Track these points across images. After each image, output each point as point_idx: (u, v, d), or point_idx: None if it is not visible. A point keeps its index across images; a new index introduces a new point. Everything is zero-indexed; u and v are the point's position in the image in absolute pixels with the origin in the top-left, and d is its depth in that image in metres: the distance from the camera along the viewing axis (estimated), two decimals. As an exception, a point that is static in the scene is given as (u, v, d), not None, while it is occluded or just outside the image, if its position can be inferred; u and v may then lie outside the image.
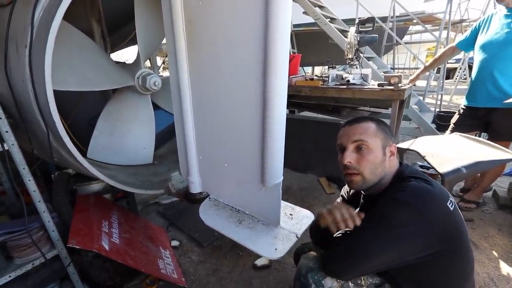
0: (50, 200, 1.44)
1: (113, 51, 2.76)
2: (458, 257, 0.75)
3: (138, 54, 1.72)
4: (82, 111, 2.15)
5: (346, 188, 1.12)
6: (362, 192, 0.97)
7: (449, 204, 0.74)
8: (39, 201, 1.20)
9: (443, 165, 1.12)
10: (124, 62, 2.41)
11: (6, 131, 1.08)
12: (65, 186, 1.51)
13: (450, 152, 1.26)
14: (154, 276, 1.51)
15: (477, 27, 1.99)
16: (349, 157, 0.83)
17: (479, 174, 2.13)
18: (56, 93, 1.09)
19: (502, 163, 1.20)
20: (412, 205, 0.70)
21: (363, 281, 0.81)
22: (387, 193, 0.80)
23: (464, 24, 5.41)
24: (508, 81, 1.80)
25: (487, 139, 1.92)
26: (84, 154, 1.73)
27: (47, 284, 1.34)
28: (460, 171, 1.07)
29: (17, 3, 1.17)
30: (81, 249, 1.31)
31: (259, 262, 1.64)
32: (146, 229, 1.83)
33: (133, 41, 2.75)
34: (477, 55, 1.95)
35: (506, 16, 1.79)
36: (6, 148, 1.10)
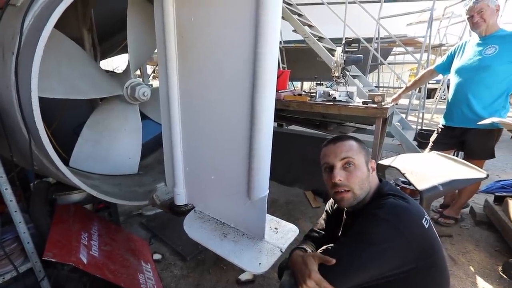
0: (27, 210, 1.39)
1: (103, 59, 2.75)
2: (434, 273, 0.77)
3: (128, 64, 1.73)
4: (68, 119, 2.10)
5: (330, 202, 1.14)
6: (345, 208, 0.99)
7: (424, 221, 0.77)
8: (15, 211, 1.16)
9: (421, 182, 1.18)
10: (113, 71, 2.40)
11: (-15, 138, 1.05)
12: (44, 195, 1.45)
13: (428, 170, 1.32)
14: (133, 291, 1.46)
15: (453, 52, 2.13)
16: (339, 175, 0.85)
17: (456, 191, 2.22)
18: (41, 100, 1.08)
19: (475, 181, 1.27)
20: (391, 222, 0.73)
21: None
22: (368, 209, 0.83)
23: (443, 48, 5.77)
24: (480, 104, 1.92)
25: (463, 158, 2.02)
26: (66, 162, 1.68)
27: (18, 300, 1.27)
28: (437, 189, 1.12)
29: (6, 10, 1.16)
30: (57, 262, 1.26)
31: (243, 277, 1.62)
32: (128, 242, 1.77)
33: (124, 50, 2.76)
34: (453, 78, 2.08)
35: (478, 44, 1.94)
36: (-16, 155, 1.06)
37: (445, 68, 2.19)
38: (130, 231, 2.05)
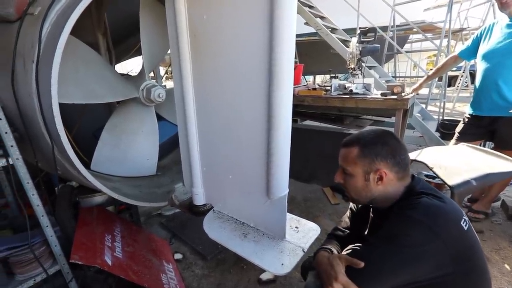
0: (53, 213, 1.43)
1: (118, 62, 2.79)
2: (474, 278, 0.72)
3: (142, 66, 1.74)
4: (87, 123, 2.16)
5: None
6: (371, 205, 0.95)
7: (463, 223, 0.71)
8: (42, 216, 1.19)
9: (452, 177, 1.10)
10: (128, 74, 2.44)
11: (11, 146, 1.08)
12: (69, 199, 1.50)
13: (458, 164, 1.23)
14: (157, 291, 1.48)
15: (478, 36, 2.00)
16: (338, 177, 0.89)
17: (486, 184, 2.09)
18: (61, 105, 1.09)
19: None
20: (426, 224, 0.68)
21: None
22: (397, 208, 0.78)
23: (464, 32, 5.46)
24: (512, 90, 1.79)
25: (493, 148, 1.90)
26: (87, 165, 1.72)
27: (48, 301, 1.31)
28: (470, 183, 1.05)
29: (25, 19, 1.19)
30: (83, 264, 1.29)
31: (264, 277, 1.61)
32: (149, 242, 1.80)
33: (138, 52, 2.80)
34: (480, 64, 1.95)
35: (508, 26, 1.80)
36: (11, 162, 1.10)
37: (470, 53, 2.05)
38: (151, 231, 2.09)
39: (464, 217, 0.73)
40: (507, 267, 1.62)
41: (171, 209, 2.40)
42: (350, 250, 0.80)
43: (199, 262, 1.80)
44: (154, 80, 2.76)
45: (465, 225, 0.71)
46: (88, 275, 1.39)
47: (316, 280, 0.83)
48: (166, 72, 7.05)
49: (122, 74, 2.14)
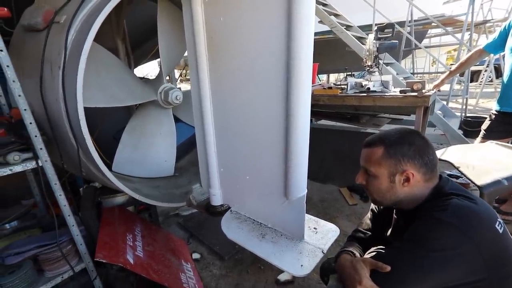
0: (78, 213, 1.49)
1: (136, 66, 2.88)
2: (509, 285, 0.68)
3: (160, 69, 1.78)
4: (107, 126, 2.23)
5: None
6: (394, 207, 0.92)
7: (498, 225, 0.67)
8: (69, 215, 1.24)
9: (480, 177, 1.05)
10: (145, 77, 2.50)
11: (41, 148, 1.13)
12: (92, 200, 1.55)
13: (487, 163, 1.17)
14: (176, 290, 1.51)
15: (506, 28, 1.89)
16: (360, 177, 0.85)
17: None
18: (84, 109, 1.14)
19: (546, 173, 1.10)
20: (457, 226, 0.64)
21: None
22: (425, 211, 0.74)
23: (487, 25, 5.19)
24: (544, 84, 1.69)
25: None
26: (109, 167, 1.78)
27: (74, 297, 1.37)
28: (501, 184, 0.99)
29: (52, 28, 1.25)
30: (106, 263, 1.34)
31: (282, 277, 1.60)
32: (168, 242, 1.84)
33: (154, 56, 2.87)
34: (509, 58, 1.85)
35: (539, 16, 1.69)
36: (40, 164, 1.15)
37: (497, 46, 1.95)
38: (169, 231, 2.13)
39: (498, 220, 0.69)
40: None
41: (189, 209, 2.44)
42: (374, 253, 0.78)
43: (216, 262, 1.81)
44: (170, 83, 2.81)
45: (500, 228, 0.67)
46: (111, 273, 1.44)
47: (338, 284, 0.81)
48: (181, 75, 7.18)
49: (141, 78, 2.19)
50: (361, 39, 3.32)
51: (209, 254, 1.90)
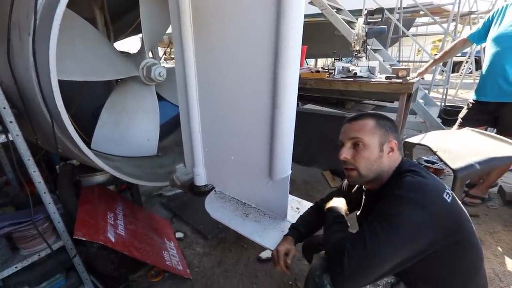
0: (55, 191, 1.44)
1: (116, 40, 2.70)
2: (465, 248, 0.74)
3: (142, 43, 1.68)
4: (85, 102, 2.12)
5: (345, 182, 1.11)
6: (364, 188, 0.96)
7: (446, 195, 0.72)
8: (45, 192, 1.19)
9: (455, 161, 1.10)
10: (128, 52, 2.36)
11: (11, 121, 1.05)
12: (70, 177, 1.49)
13: (462, 148, 1.23)
14: (159, 268, 1.52)
15: (490, 19, 1.93)
16: (345, 153, 0.85)
17: (485, 170, 2.11)
18: (59, 82, 1.06)
19: (517, 159, 1.18)
20: (414, 200, 0.69)
21: (378, 281, 0.81)
22: (386, 189, 0.79)
23: (472, 16, 5.29)
24: (520, 75, 1.76)
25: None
26: (87, 145, 1.71)
27: (53, 275, 1.34)
28: (474, 167, 1.05)
29: (19, -13, 1.13)
30: (86, 241, 1.31)
31: (264, 255, 1.64)
32: (151, 221, 1.83)
33: (135, 31, 2.70)
34: (489, 48, 1.90)
35: (522, 8, 1.73)
36: (11, 138, 1.08)
37: (480, 36, 1.99)
38: (152, 211, 2.11)
39: (446, 190, 0.74)
40: (500, 249, 1.67)
41: (172, 190, 2.42)
42: (355, 234, 0.81)
43: (200, 241, 1.83)
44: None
45: (449, 198, 0.73)
46: (91, 251, 1.42)
47: (322, 262, 0.84)
48: (165, 53, 6.88)
49: (121, 52, 2.07)
50: (350, 24, 3.29)
51: (192, 233, 1.92)
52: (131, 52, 2.25)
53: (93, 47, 1.51)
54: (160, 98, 2.08)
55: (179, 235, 1.88)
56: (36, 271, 1.29)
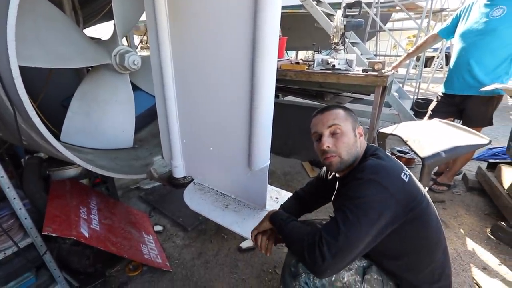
0: (21, 186, 1.35)
1: (86, 26, 2.54)
2: (422, 223, 0.80)
3: (114, 29, 1.59)
4: (54, 92, 1.99)
5: (323, 170, 1.15)
6: (337, 176, 0.99)
7: (403, 175, 0.79)
8: (8, 188, 1.11)
9: (423, 150, 1.17)
10: (99, 38, 2.23)
11: (-35, 110, 0.97)
12: (37, 171, 1.41)
13: (430, 137, 1.30)
14: (137, 262, 1.49)
15: (458, 15, 2.03)
16: (327, 142, 0.88)
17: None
18: (22, 70, 0.98)
19: (478, 147, 1.27)
20: (376, 181, 0.75)
21: (351, 265, 0.85)
22: (352, 174, 0.85)
23: (444, 13, 5.55)
24: (482, 70, 1.87)
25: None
26: (57, 137, 1.61)
27: (22, 274, 1.27)
28: (439, 155, 1.12)
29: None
30: (58, 237, 1.25)
31: (244, 245, 1.66)
32: (128, 215, 1.78)
33: (108, 16, 2.55)
34: (456, 44, 2.01)
35: (486, 5, 1.83)
36: (-34, 129, 0.99)
37: (449, 32, 2.09)
38: (129, 205, 2.06)
39: (404, 171, 0.80)
40: (462, 231, 1.81)
41: (150, 183, 2.36)
42: (328, 220, 0.83)
43: (180, 233, 1.82)
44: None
45: (406, 177, 0.79)
46: (64, 247, 1.36)
47: None
48: (141, 42, 6.57)
49: (92, 38, 1.95)
50: (330, 16, 3.32)
51: (172, 226, 1.89)
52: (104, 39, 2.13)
53: (59, 32, 1.41)
54: (135, 88, 1.99)
55: (158, 228, 1.85)
56: (2, 270, 1.22)
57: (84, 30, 2.46)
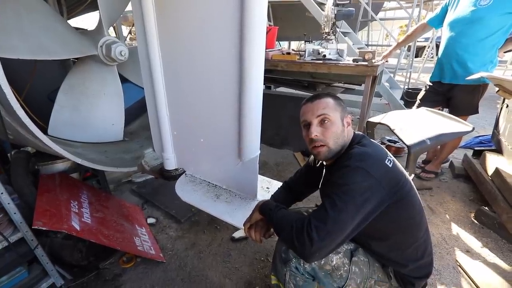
0: (9, 181, 1.33)
1: (70, 16, 2.46)
2: (405, 204, 0.84)
3: (100, 19, 1.55)
4: (40, 85, 1.94)
5: (311, 158, 1.18)
6: (324, 164, 1.01)
7: (388, 161, 0.82)
8: (-5, 182, 1.10)
9: (410, 138, 1.19)
10: (85, 29, 2.17)
11: None
12: (25, 165, 1.39)
13: (417, 126, 1.33)
14: (131, 254, 1.50)
15: (447, 4, 2.04)
16: (315, 131, 0.89)
17: (439, 147, 2.31)
18: (5, 62, 0.96)
19: (462, 135, 1.30)
20: (363, 168, 0.78)
21: (339, 248, 0.88)
22: (339, 162, 0.88)
23: (434, 2, 5.55)
24: (471, 59, 1.90)
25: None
26: (44, 131, 1.59)
27: (13, 268, 1.27)
28: (425, 143, 1.15)
29: None
30: (49, 231, 1.25)
31: (236, 235, 1.69)
32: (120, 208, 1.78)
33: (94, 6, 2.48)
34: (445, 32, 2.02)
35: (474, -6, 1.84)
36: None
37: (438, 21, 2.10)
38: (122, 198, 2.05)
39: (388, 157, 0.84)
40: (447, 216, 1.87)
41: (142, 176, 2.35)
42: (316, 208, 0.86)
43: (173, 225, 1.83)
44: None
45: (390, 163, 0.82)
46: (55, 241, 1.36)
47: None
48: (130, 32, 6.41)
49: (77, 29, 1.90)
50: (321, 5, 3.29)
51: (165, 218, 1.90)
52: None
53: (42, 23, 1.37)
54: (124, 80, 1.96)
55: (151, 220, 1.86)
56: (-7, 265, 1.21)
57: (70, 21, 2.39)
